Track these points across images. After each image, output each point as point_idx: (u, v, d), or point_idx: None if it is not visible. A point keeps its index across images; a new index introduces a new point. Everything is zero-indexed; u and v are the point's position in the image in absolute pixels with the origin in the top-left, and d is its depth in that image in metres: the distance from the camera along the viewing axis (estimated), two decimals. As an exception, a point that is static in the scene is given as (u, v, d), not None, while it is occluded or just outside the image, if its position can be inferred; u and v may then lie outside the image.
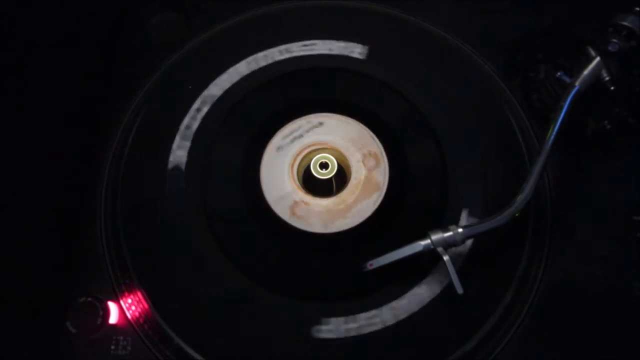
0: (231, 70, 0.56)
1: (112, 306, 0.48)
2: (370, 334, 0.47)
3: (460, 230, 0.44)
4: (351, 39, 0.57)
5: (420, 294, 0.48)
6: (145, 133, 0.54)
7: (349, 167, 0.52)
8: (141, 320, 0.48)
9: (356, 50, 0.57)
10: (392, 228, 0.50)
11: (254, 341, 0.47)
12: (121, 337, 0.48)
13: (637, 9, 0.48)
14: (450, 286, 0.44)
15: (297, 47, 0.57)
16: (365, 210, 0.50)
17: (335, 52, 0.57)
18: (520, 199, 0.44)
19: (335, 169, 0.52)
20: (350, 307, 0.47)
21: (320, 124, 0.53)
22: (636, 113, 0.51)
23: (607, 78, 0.47)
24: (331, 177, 0.52)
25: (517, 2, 0.58)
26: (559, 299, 0.48)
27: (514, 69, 0.56)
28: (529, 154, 0.52)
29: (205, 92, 0.55)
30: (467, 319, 0.47)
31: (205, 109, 0.54)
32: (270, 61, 0.56)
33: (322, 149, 0.53)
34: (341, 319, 0.47)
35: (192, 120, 0.54)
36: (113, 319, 0.48)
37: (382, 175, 0.51)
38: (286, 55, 0.57)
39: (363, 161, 0.51)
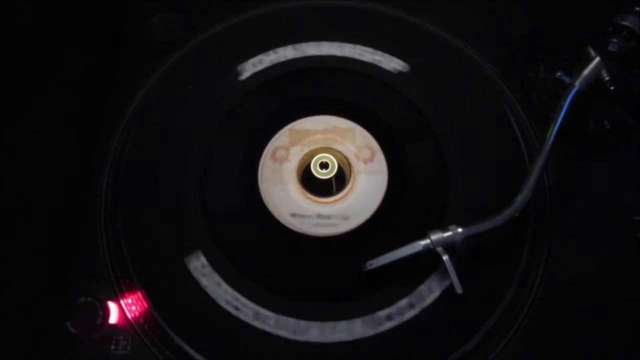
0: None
1: (112, 306, 0.48)
2: (370, 334, 0.47)
3: (459, 230, 0.44)
4: (351, 39, 0.57)
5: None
6: (145, 133, 0.54)
7: (348, 167, 0.52)
8: (141, 320, 0.48)
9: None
10: (392, 228, 0.50)
11: (254, 341, 0.47)
12: (121, 337, 0.47)
13: (637, 9, 0.48)
14: (450, 286, 0.44)
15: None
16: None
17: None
18: (520, 199, 0.44)
19: (336, 169, 0.52)
20: (350, 308, 0.47)
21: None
22: (636, 113, 0.51)
23: (607, 78, 0.47)
24: (331, 177, 0.52)
25: (517, 2, 0.58)
26: (559, 299, 0.48)
27: (514, 69, 0.56)
28: (529, 154, 0.52)
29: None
30: (467, 319, 0.47)
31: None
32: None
33: (322, 148, 0.53)
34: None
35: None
36: (113, 319, 0.48)
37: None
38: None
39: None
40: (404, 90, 0.55)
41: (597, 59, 0.47)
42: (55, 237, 0.50)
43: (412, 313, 0.47)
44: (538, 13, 0.58)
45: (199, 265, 0.49)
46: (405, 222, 0.50)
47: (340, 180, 0.53)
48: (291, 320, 0.47)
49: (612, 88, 0.48)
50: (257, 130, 0.53)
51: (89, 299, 0.47)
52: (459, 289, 0.43)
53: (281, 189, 0.51)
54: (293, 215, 0.50)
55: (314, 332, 0.47)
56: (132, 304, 0.48)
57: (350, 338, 0.47)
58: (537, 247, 0.49)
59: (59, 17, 0.54)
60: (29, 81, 0.50)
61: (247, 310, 0.47)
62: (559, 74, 0.50)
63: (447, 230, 0.44)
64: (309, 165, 0.52)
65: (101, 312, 0.46)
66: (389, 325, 0.47)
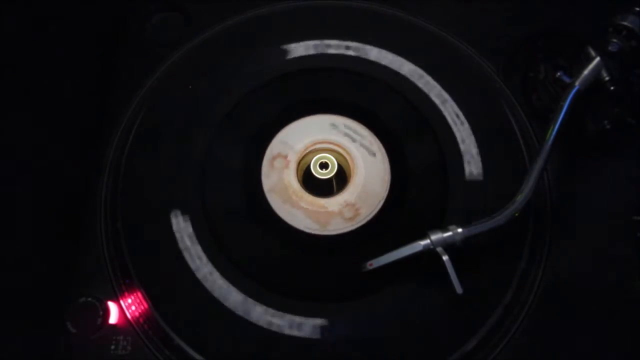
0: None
1: (112, 306, 0.48)
2: (371, 334, 0.47)
3: (459, 230, 0.44)
4: (351, 39, 0.57)
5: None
6: (145, 133, 0.54)
7: (349, 167, 0.52)
8: (141, 320, 0.48)
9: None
10: (392, 228, 0.50)
11: (254, 341, 0.47)
12: (121, 337, 0.47)
13: (637, 9, 0.48)
14: (450, 286, 0.44)
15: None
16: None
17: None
18: (520, 199, 0.44)
19: (335, 169, 0.52)
20: (350, 307, 0.47)
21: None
22: (636, 113, 0.51)
23: (607, 78, 0.47)
24: (331, 177, 0.52)
25: (517, 2, 0.58)
26: (559, 299, 0.48)
27: (514, 69, 0.56)
28: (529, 154, 0.52)
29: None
30: (467, 319, 0.47)
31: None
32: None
33: (322, 149, 0.53)
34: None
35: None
36: (113, 319, 0.48)
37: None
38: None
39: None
40: (404, 90, 0.55)
41: (597, 59, 0.47)
42: (55, 237, 0.50)
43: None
44: (538, 13, 0.58)
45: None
46: (405, 222, 0.50)
47: (340, 180, 0.53)
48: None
49: (612, 88, 0.48)
50: (257, 130, 0.53)
51: (89, 299, 0.47)
52: (458, 289, 0.43)
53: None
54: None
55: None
56: (132, 304, 0.48)
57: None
58: (537, 247, 0.49)
59: (59, 17, 0.54)
60: (29, 81, 0.50)
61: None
62: (559, 74, 0.50)
63: (447, 230, 0.44)
64: (309, 165, 0.52)
65: (101, 312, 0.46)
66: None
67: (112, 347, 0.47)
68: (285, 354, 0.47)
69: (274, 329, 0.47)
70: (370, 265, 0.45)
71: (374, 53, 0.57)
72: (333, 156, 0.52)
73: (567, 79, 0.49)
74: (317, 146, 0.53)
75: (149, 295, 0.48)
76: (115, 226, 0.51)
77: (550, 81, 0.52)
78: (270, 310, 0.47)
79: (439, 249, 0.44)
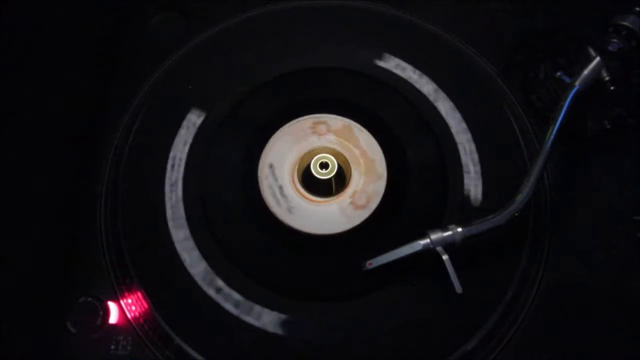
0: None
1: (112, 306, 0.48)
2: (370, 334, 0.47)
3: (459, 229, 0.44)
4: (351, 39, 0.57)
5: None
6: (145, 133, 0.54)
7: (349, 167, 0.52)
8: (141, 320, 0.48)
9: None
10: (392, 228, 0.50)
11: (253, 341, 0.47)
12: (121, 337, 0.47)
13: (637, 9, 0.48)
14: (450, 286, 0.44)
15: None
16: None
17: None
18: (520, 198, 0.44)
19: (335, 169, 0.52)
20: (350, 307, 0.47)
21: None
22: (636, 113, 0.51)
23: (607, 78, 0.47)
24: (331, 177, 0.52)
25: (517, 2, 0.58)
26: (559, 299, 0.48)
27: (514, 69, 0.56)
28: (529, 154, 0.52)
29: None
30: (467, 319, 0.47)
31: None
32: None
33: (322, 148, 0.53)
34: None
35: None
36: (113, 319, 0.48)
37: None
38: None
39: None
40: (404, 90, 0.55)
41: (597, 59, 0.47)
42: (55, 237, 0.50)
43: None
44: (538, 13, 0.58)
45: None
46: (405, 221, 0.50)
47: (340, 180, 0.53)
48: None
49: (612, 88, 0.48)
50: (258, 129, 0.53)
51: (89, 299, 0.47)
52: (458, 289, 0.43)
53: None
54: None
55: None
56: (132, 304, 0.48)
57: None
58: (537, 247, 0.49)
59: (59, 18, 0.54)
60: (29, 81, 0.50)
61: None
62: (559, 74, 0.50)
63: (447, 230, 0.44)
64: (309, 165, 0.52)
65: (101, 312, 0.46)
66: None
67: (112, 347, 0.47)
68: (285, 354, 0.47)
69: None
70: (370, 264, 0.45)
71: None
72: (333, 156, 0.52)
73: (567, 79, 0.49)
74: (317, 146, 0.53)
75: (149, 295, 0.48)
76: (115, 226, 0.51)
77: (550, 81, 0.52)
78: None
79: (439, 249, 0.44)
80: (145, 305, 0.48)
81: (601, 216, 0.50)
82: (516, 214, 0.44)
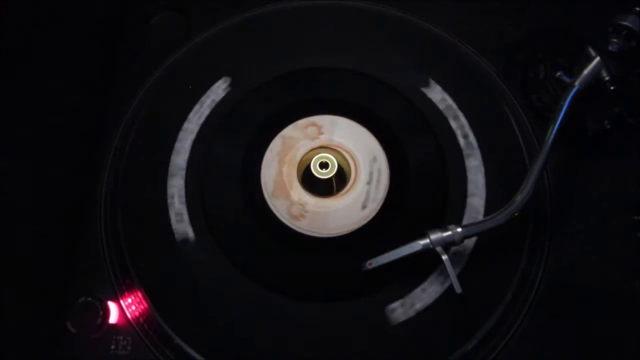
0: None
1: (112, 306, 0.48)
2: (370, 334, 0.47)
3: (459, 230, 0.44)
4: (351, 39, 0.57)
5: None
6: (145, 133, 0.54)
7: (349, 167, 0.52)
8: (141, 320, 0.48)
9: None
10: (392, 228, 0.50)
11: (253, 341, 0.47)
12: (121, 337, 0.48)
13: (637, 9, 0.48)
14: (450, 286, 0.44)
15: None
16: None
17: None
18: (520, 198, 0.44)
19: (336, 169, 0.52)
20: (350, 307, 0.47)
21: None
22: (636, 113, 0.51)
23: (607, 78, 0.47)
24: (331, 177, 0.52)
25: (517, 2, 0.58)
26: (559, 299, 0.48)
27: (514, 69, 0.56)
28: (529, 154, 0.52)
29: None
30: (467, 319, 0.47)
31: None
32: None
33: (322, 148, 0.53)
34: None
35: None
36: (113, 319, 0.48)
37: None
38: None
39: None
40: (404, 90, 0.55)
41: (597, 59, 0.47)
42: (55, 237, 0.50)
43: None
44: (538, 13, 0.58)
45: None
46: (405, 222, 0.50)
47: (340, 180, 0.53)
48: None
49: (612, 88, 0.47)
50: (258, 130, 0.53)
51: (89, 299, 0.47)
52: (458, 289, 0.43)
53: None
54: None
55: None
56: (132, 304, 0.48)
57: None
58: (537, 247, 0.49)
59: (59, 17, 0.54)
60: (29, 81, 0.50)
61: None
62: (559, 74, 0.50)
63: (446, 230, 0.44)
64: (309, 165, 0.52)
65: (101, 312, 0.47)
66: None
67: (112, 347, 0.47)
68: (285, 353, 0.47)
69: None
70: (370, 264, 0.45)
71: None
72: (333, 156, 0.52)
73: (567, 79, 0.49)
74: (317, 145, 0.53)
75: (149, 295, 0.48)
76: (115, 226, 0.51)
77: (550, 81, 0.52)
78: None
79: (439, 249, 0.44)
80: (145, 305, 0.48)
81: (601, 216, 0.50)
82: (516, 214, 0.44)
